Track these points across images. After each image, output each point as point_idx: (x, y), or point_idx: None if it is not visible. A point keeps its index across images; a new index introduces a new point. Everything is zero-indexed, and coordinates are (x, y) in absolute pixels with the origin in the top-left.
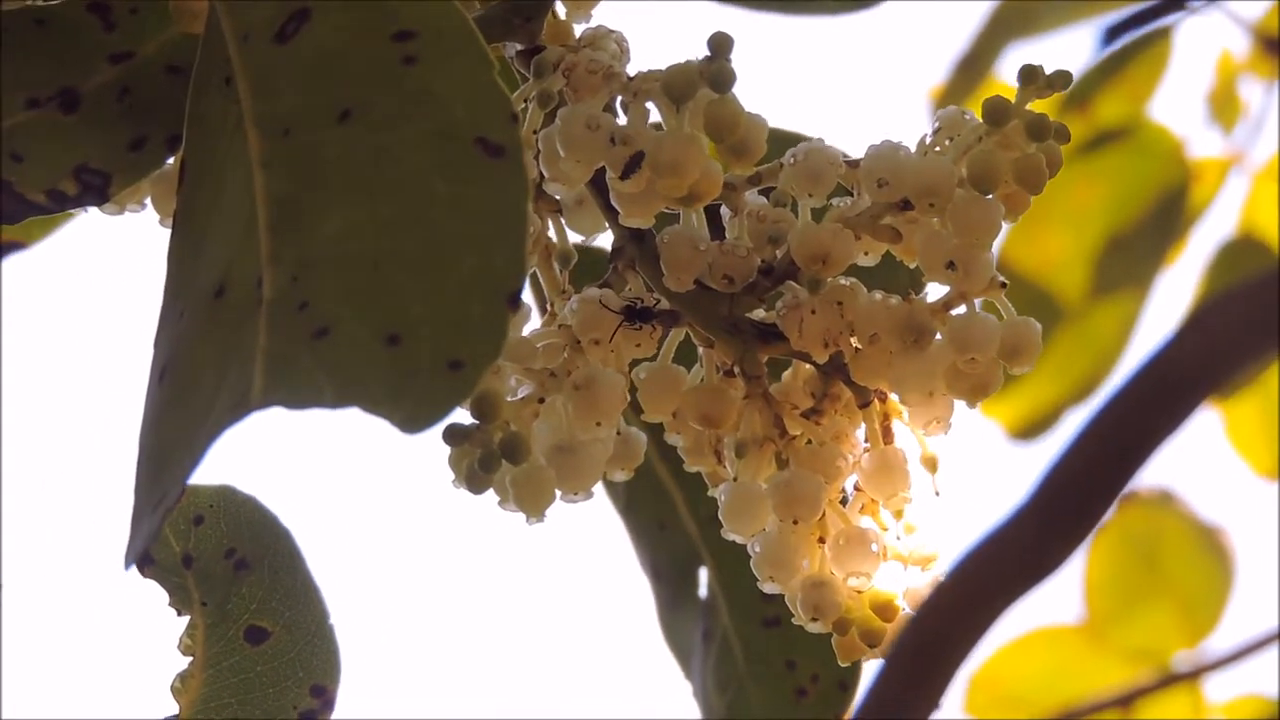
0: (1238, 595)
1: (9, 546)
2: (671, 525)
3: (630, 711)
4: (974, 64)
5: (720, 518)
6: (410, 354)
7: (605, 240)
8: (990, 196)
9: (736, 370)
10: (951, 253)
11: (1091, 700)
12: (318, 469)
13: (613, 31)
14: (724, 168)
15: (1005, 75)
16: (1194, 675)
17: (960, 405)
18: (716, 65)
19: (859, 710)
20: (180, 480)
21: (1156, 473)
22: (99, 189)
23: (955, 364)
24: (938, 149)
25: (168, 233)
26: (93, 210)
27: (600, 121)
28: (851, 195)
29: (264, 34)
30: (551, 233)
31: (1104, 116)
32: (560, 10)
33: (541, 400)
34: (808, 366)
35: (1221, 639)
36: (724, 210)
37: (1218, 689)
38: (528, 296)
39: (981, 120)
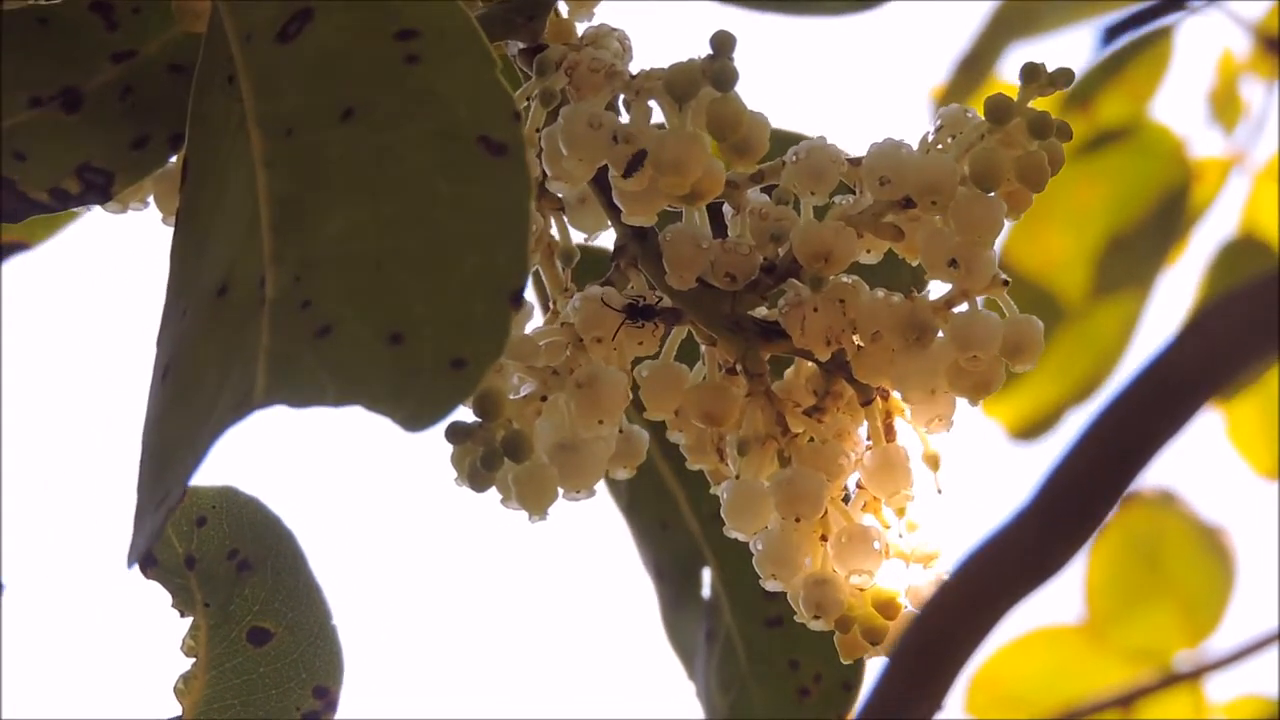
0: (1239, 595)
1: (10, 546)
2: (674, 524)
3: (633, 712)
4: (975, 64)
5: (722, 515)
6: (413, 353)
7: (608, 238)
8: (992, 194)
9: (739, 368)
10: (954, 250)
11: (1092, 700)
12: (320, 470)
13: (615, 30)
14: (726, 166)
15: (1006, 75)
16: (1195, 675)
17: (962, 403)
18: (719, 64)
19: (862, 710)
20: (183, 479)
21: (1157, 473)
22: (102, 187)
23: (957, 362)
24: (940, 147)
25: (170, 231)
26: (96, 210)
27: (603, 120)
28: (854, 193)
29: (266, 33)
30: (554, 231)
31: (1105, 116)
32: (563, 9)
33: (544, 398)
34: (810, 364)
35: (1222, 639)
36: (726, 208)
37: (1219, 689)
38: (530, 295)
39: (983, 118)
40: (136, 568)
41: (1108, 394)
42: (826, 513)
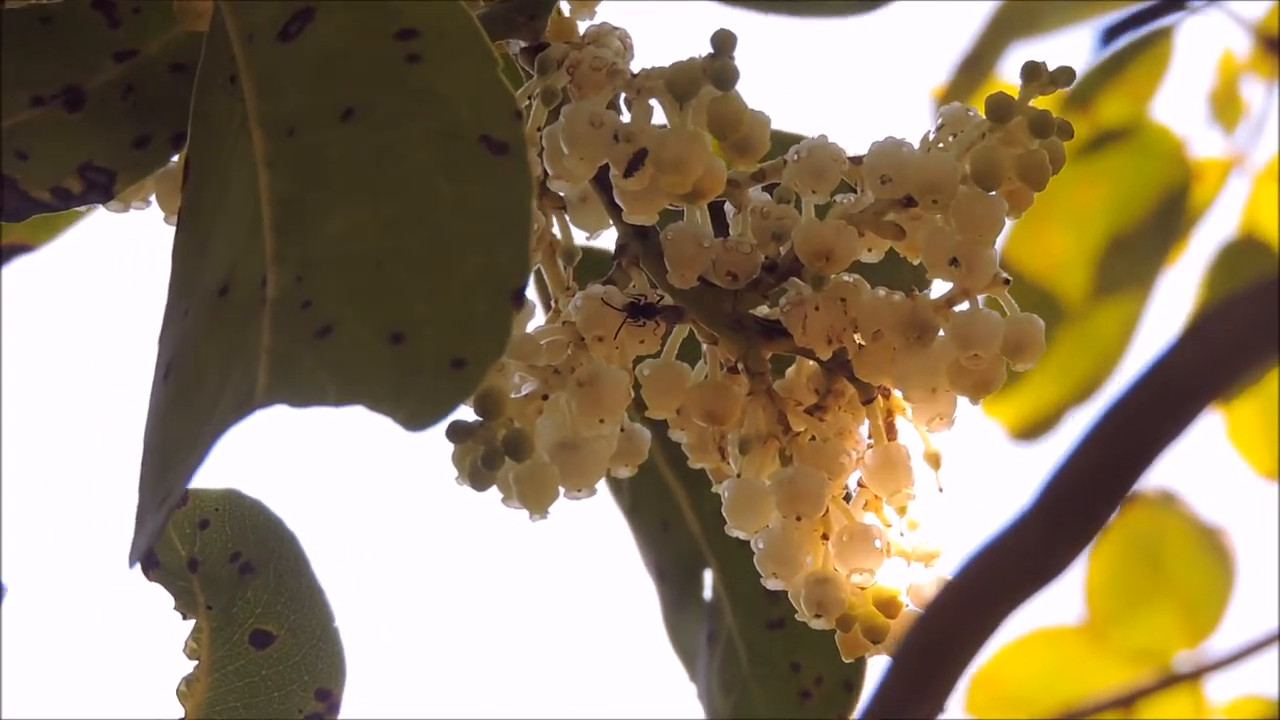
0: (1239, 596)
1: (11, 547)
2: (675, 525)
3: (634, 713)
4: (976, 64)
5: (724, 514)
6: (414, 352)
7: (609, 237)
8: (994, 193)
9: (740, 367)
10: (955, 249)
11: (1093, 701)
12: (322, 472)
13: (616, 29)
14: (727, 164)
15: (1007, 75)
16: (1195, 676)
17: (963, 403)
18: (720, 62)
19: (864, 711)
20: (184, 478)
21: (1158, 473)
22: (104, 186)
23: (958, 360)
24: (941, 145)
25: (172, 231)
26: (97, 210)
27: (604, 119)
28: (855, 192)
29: (268, 33)
30: (555, 230)
31: (1105, 117)
32: (564, 7)
33: (545, 397)
34: (811, 363)
35: (1223, 639)
36: (727, 207)
37: (1219, 689)
38: (532, 294)
39: (985, 117)
40: (139, 570)
41: (1108, 395)
42: (828, 511)
